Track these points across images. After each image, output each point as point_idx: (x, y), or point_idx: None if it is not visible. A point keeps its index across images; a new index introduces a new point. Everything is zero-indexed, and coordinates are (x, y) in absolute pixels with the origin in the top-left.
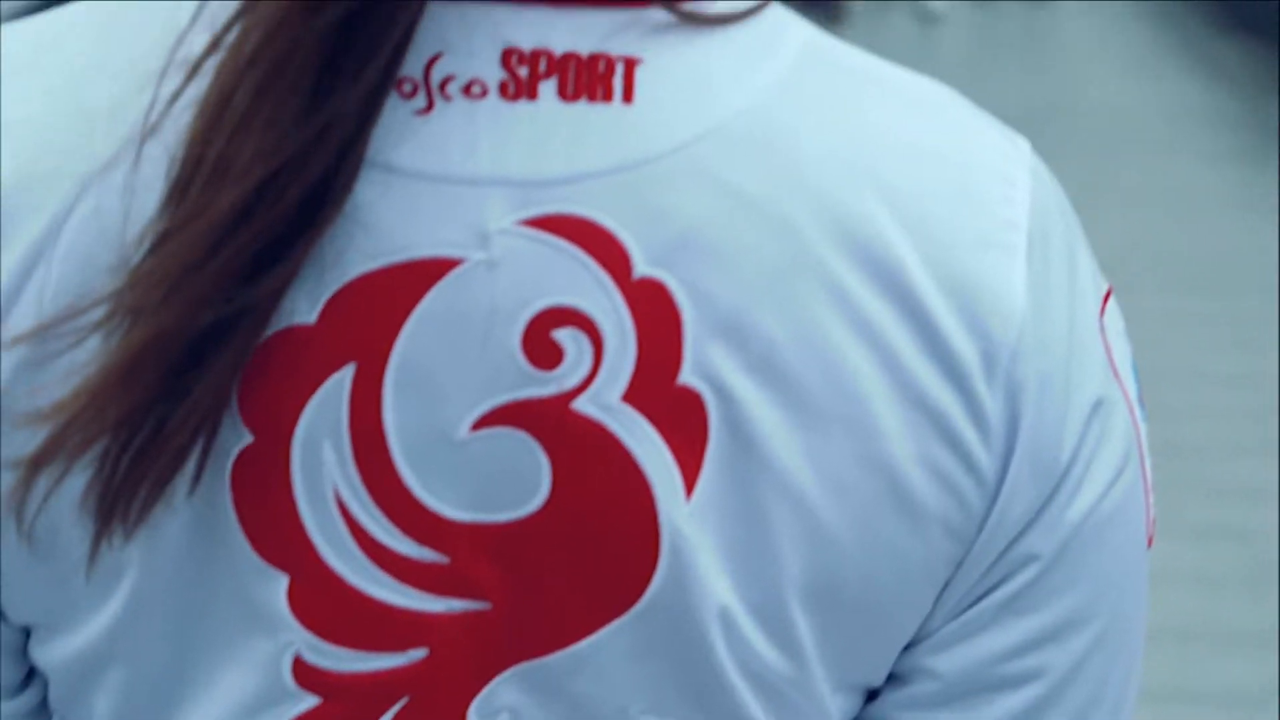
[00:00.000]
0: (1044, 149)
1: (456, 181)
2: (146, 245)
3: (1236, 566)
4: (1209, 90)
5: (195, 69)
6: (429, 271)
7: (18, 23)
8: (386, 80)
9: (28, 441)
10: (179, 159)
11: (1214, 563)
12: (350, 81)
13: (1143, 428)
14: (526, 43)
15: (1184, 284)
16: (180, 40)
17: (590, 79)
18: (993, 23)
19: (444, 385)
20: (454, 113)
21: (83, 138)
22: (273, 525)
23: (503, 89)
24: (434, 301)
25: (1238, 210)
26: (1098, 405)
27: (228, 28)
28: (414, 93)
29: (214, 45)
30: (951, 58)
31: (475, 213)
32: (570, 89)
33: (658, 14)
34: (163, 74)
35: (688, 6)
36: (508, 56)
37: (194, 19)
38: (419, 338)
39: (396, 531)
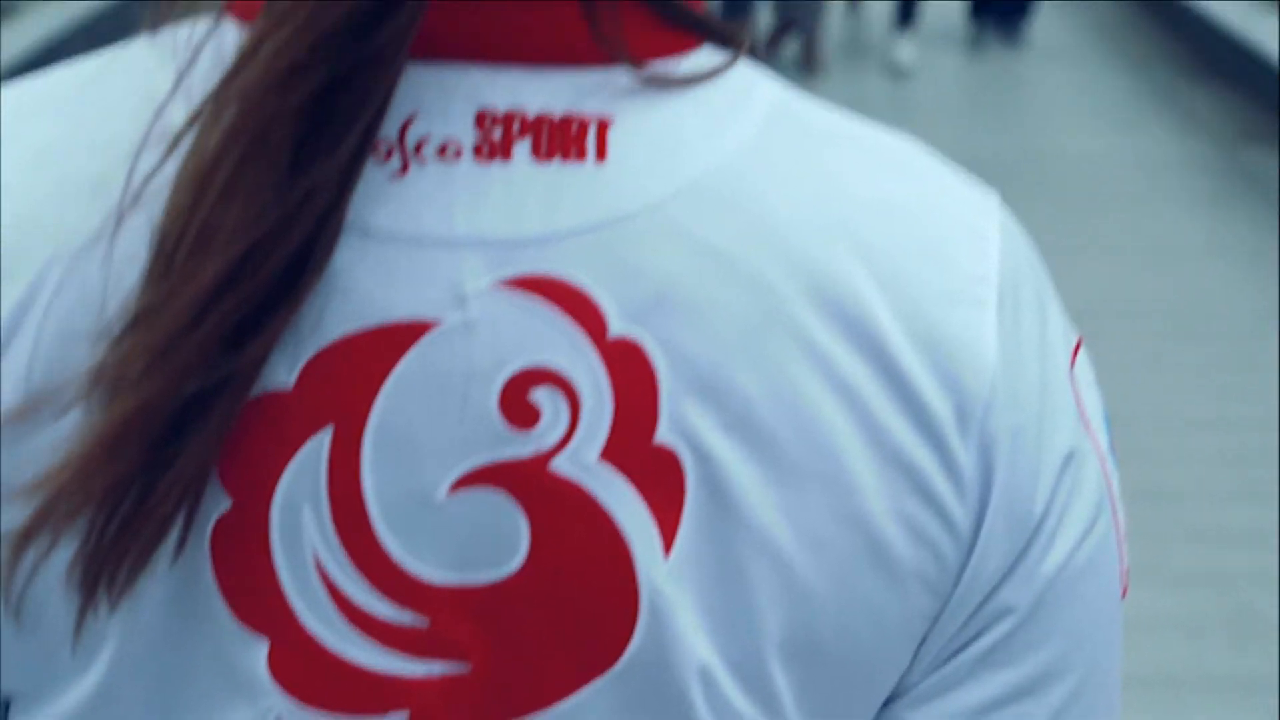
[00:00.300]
0: (1022, 198)
1: (433, 243)
2: (130, 316)
3: (1219, 613)
4: (1182, 138)
5: (175, 142)
6: (406, 334)
7: (3, 88)
8: (365, 146)
9: (15, 515)
10: (162, 231)
11: (1197, 609)
12: (330, 150)
13: (1114, 478)
14: (500, 104)
15: (1162, 330)
16: (159, 112)
17: (563, 139)
18: (969, 72)
19: (422, 447)
20: (429, 175)
21: (64, 208)
22: (252, 590)
23: (477, 150)
24: (411, 363)
25: (1213, 256)
26: (1070, 457)
27: (206, 100)
28: (389, 155)
29: (194, 118)
30: (929, 108)
31: (452, 274)
32: (544, 149)
33: (627, 75)
34: (142, 146)
35: (655, 67)
36: (481, 118)
37: (173, 91)
38: (397, 400)
39: (376, 594)
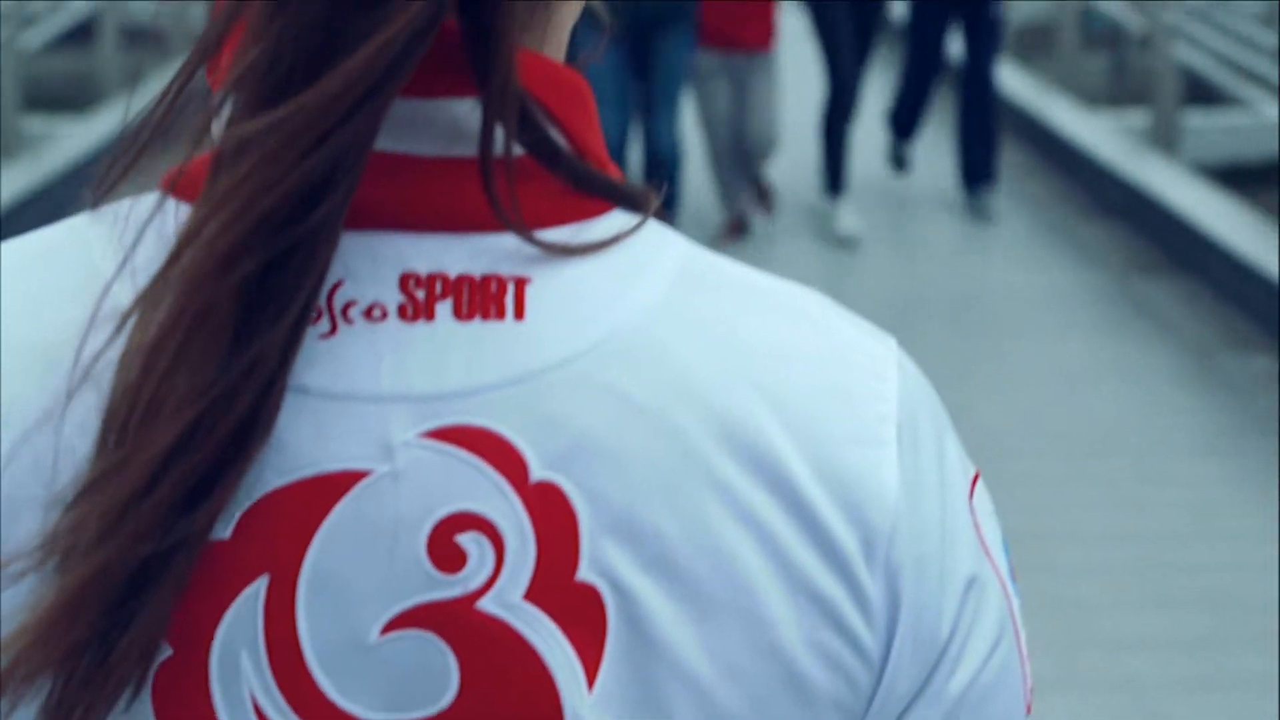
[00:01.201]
0: (937, 333)
1: (362, 399)
2: (84, 483)
3: (1131, 719)
4: (1080, 272)
5: (124, 321)
6: (338, 484)
7: None
8: (305, 317)
9: None
10: (112, 402)
11: (1110, 715)
12: (272, 323)
13: (1015, 601)
14: (423, 268)
15: (1071, 449)
16: (106, 290)
17: (484, 298)
18: (880, 219)
19: (355, 592)
20: (356, 335)
21: (9, 378)
22: None
23: (401, 311)
24: (343, 513)
25: (1114, 380)
26: (971, 583)
27: (152, 281)
28: (319, 318)
29: (140, 299)
30: (849, 251)
31: (380, 427)
32: (465, 309)
33: (547, 237)
34: (90, 324)
35: (566, 232)
36: (405, 281)
37: (118, 271)
38: (329, 548)
39: None
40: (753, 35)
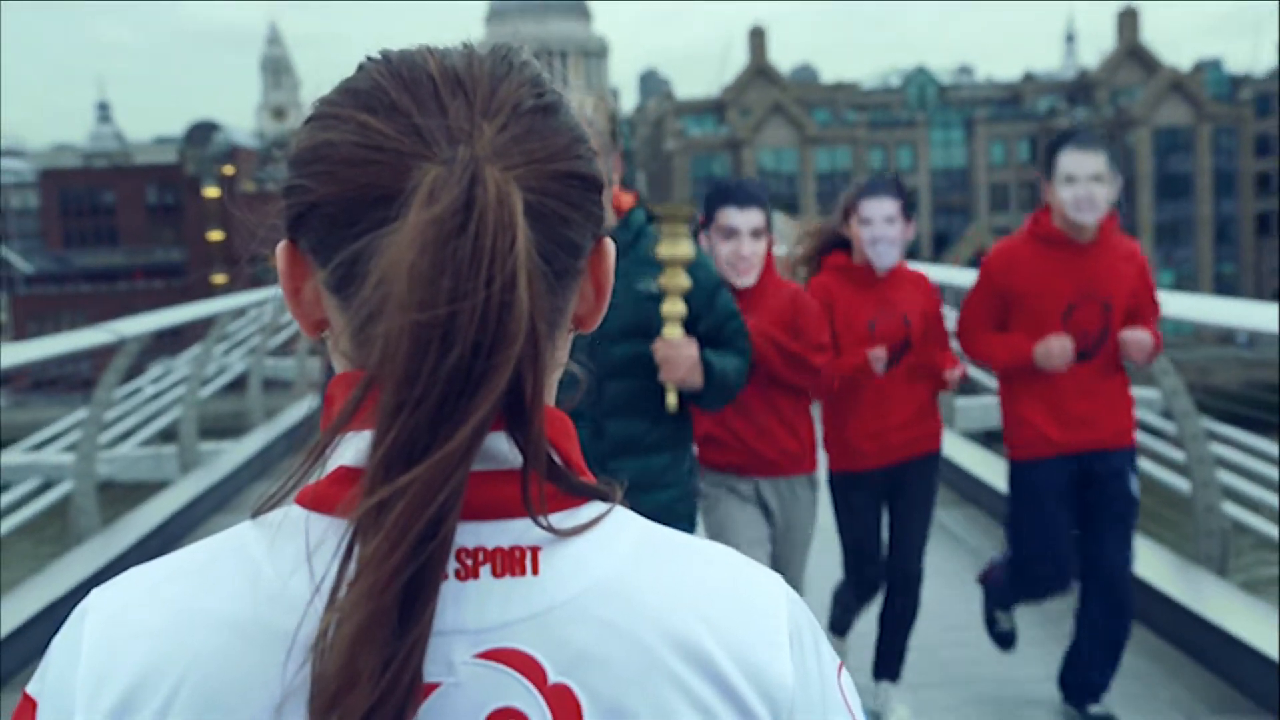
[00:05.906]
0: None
1: (434, 634)
2: None
3: None
4: (947, 558)
5: (316, 646)
6: (423, 692)
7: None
8: (435, 602)
9: None
10: (322, 681)
11: None
12: (423, 610)
13: None
14: (470, 543)
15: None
16: (299, 626)
17: (511, 562)
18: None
19: None
20: None
21: (190, 641)
22: None
23: (457, 574)
24: (428, 710)
25: (931, 576)
26: None
27: (346, 594)
28: None
29: (325, 627)
30: None
31: (446, 652)
32: (499, 569)
33: (550, 522)
34: (292, 646)
35: (563, 516)
36: (459, 553)
37: (303, 616)
38: None
39: None
40: (792, 451)
